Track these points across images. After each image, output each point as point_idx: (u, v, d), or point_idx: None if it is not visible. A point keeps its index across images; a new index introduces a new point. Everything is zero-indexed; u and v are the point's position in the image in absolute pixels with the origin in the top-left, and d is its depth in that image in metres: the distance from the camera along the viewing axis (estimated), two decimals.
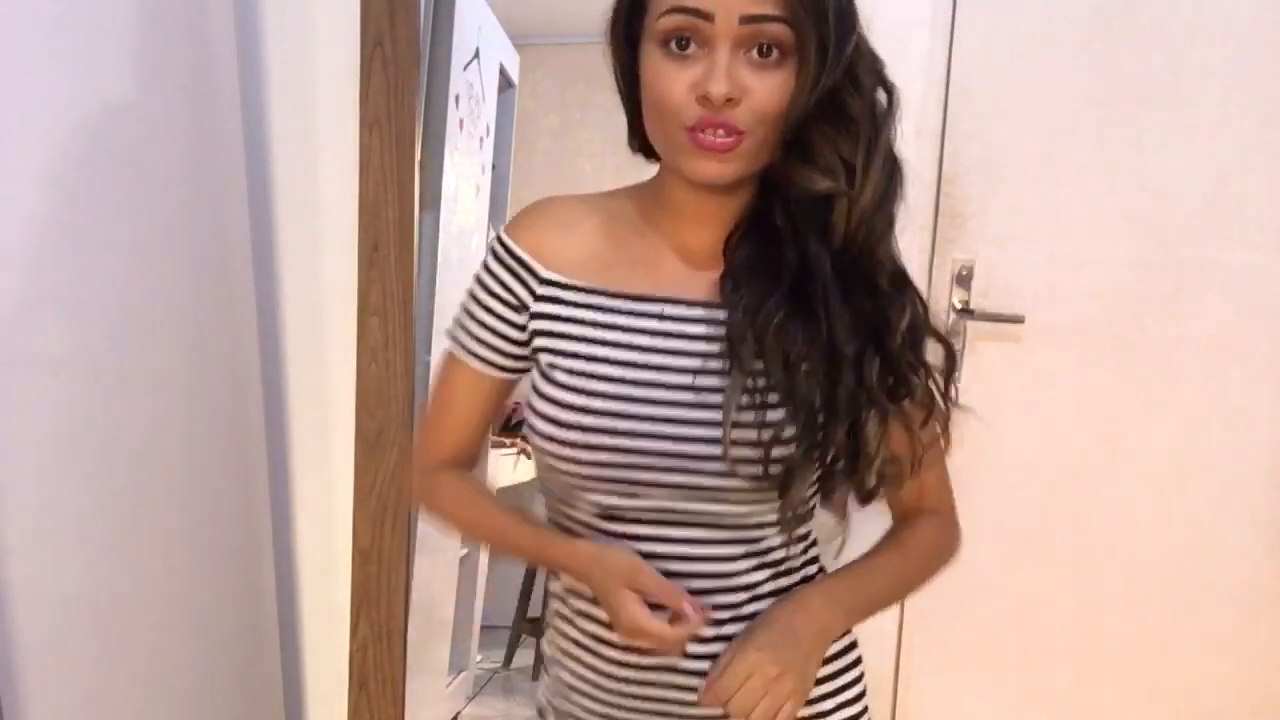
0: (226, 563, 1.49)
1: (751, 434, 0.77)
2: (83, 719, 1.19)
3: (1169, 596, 1.57)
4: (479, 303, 0.85)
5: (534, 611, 3.07)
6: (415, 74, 1.53)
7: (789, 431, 0.77)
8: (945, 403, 0.83)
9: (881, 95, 0.77)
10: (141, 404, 1.27)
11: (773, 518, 0.81)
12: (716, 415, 0.77)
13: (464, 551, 2.58)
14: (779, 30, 0.72)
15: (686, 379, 0.79)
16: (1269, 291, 1.49)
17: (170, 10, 1.30)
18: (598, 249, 0.84)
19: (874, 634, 1.63)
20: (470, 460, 0.92)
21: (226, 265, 1.48)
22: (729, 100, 0.72)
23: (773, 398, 0.77)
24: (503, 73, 2.65)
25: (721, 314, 0.80)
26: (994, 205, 1.54)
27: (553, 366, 0.81)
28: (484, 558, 2.78)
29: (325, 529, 1.65)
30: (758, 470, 0.77)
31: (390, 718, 1.58)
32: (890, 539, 0.89)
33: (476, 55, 2.31)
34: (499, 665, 3.01)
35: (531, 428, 0.81)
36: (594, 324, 0.81)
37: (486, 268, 0.86)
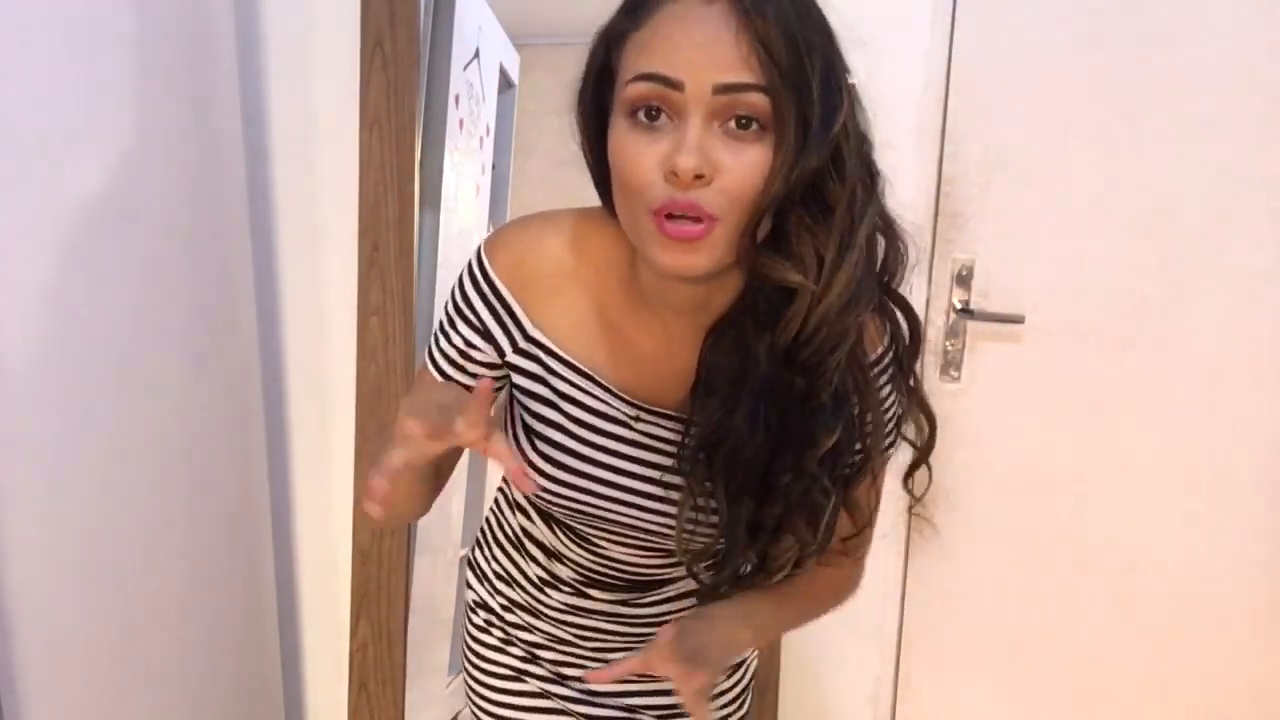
0: (226, 563, 1.49)
1: (705, 535, 0.77)
2: (83, 719, 1.19)
3: (1168, 596, 1.57)
4: (453, 326, 0.82)
5: None
6: (415, 74, 1.53)
7: (720, 545, 0.77)
8: (911, 482, 0.81)
9: (864, 182, 0.69)
10: (142, 404, 1.27)
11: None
12: (667, 518, 0.79)
13: (464, 552, 2.58)
14: (757, 100, 0.64)
15: (654, 474, 0.79)
16: (1269, 291, 1.49)
17: (170, 10, 1.30)
18: (583, 316, 0.79)
19: (874, 634, 1.63)
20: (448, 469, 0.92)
21: (226, 265, 1.48)
22: (698, 177, 0.64)
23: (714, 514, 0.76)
24: (503, 73, 2.64)
25: (683, 427, 0.77)
26: (994, 205, 1.54)
27: (530, 431, 0.81)
28: None
29: (325, 529, 1.65)
30: (707, 563, 0.79)
31: (390, 718, 1.58)
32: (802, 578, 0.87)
33: (476, 55, 2.31)
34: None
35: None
36: (574, 402, 0.79)
37: (465, 296, 0.81)
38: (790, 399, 0.71)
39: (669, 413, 0.79)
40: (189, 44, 1.36)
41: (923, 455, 0.80)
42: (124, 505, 1.24)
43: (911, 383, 0.78)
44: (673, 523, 0.77)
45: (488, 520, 1.03)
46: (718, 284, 0.73)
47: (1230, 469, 1.53)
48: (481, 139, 2.45)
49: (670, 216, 0.66)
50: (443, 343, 0.82)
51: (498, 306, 0.79)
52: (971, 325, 1.57)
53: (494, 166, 2.66)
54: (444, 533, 2.36)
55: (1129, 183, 1.51)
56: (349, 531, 1.56)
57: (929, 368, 1.59)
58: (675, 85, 0.65)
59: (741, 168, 0.65)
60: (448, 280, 2.21)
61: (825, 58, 0.66)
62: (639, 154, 0.67)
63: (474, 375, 0.81)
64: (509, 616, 0.97)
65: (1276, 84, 1.46)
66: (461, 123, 2.23)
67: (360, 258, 1.51)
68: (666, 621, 0.86)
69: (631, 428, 0.79)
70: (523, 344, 0.79)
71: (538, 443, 0.80)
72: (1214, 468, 1.54)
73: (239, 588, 1.53)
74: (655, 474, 0.79)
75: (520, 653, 0.97)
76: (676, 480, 0.77)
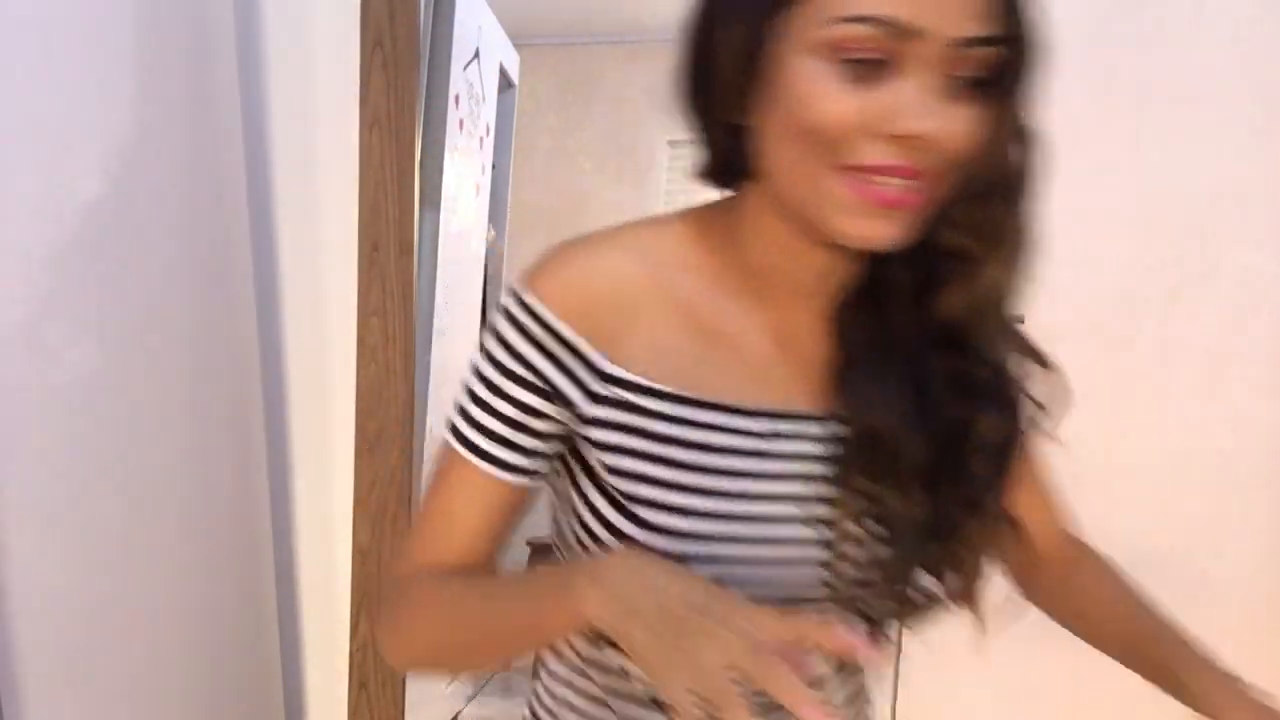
0: (226, 563, 1.49)
1: (860, 573, 0.64)
2: (82, 719, 1.19)
3: (1168, 596, 1.57)
4: (496, 393, 0.63)
5: None
6: (415, 74, 1.53)
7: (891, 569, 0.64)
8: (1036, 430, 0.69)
9: (1035, 150, 0.62)
10: (141, 404, 1.27)
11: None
12: (819, 548, 0.63)
13: None
14: (991, 56, 0.55)
15: (791, 506, 0.63)
16: (1269, 291, 1.49)
17: (170, 10, 1.30)
18: (669, 333, 0.63)
19: None
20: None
21: (226, 265, 1.47)
22: (919, 141, 0.54)
23: (878, 527, 0.64)
24: (503, 73, 2.65)
25: (834, 428, 0.64)
26: None
27: (625, 501, 0.62)
28: None
29: (325, 529, 1.65)
30: (867, 605, 0.65)
31: (390, 718, 1.58)
32: (1125, 596, 0.79)
33: (476, 55, 2.31)
34: (498, 665, 3.00)
35: (585, 539, 0.65)
36: (685, 444, 0.61)
37: (509, 349, 0.62)
38: (949, 381, 0.62)
39: (809, 413, 0.64)
40: (189, 44, 1.36)
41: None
42: (123, 505, 1.24)
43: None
44: (822, 556, 0.63)
45: (543, 667, 0.76)
46: (854, 257, 0.63)
47: (1230, 468, 1.53)
48: (481, 139, 2.46)
49: (873, 175, 0.55)
50: (483, 418, 0.63)
51: (558, 350, 0.62)
52: None
53: (494, 166, 2.67)
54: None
55: (1129, 183, 1.51)
56: (349, 531, 1.56)
57: None
58: (912, 33, 0.53)
59: (959, 127, 0.55)
60: (448, 280, 2.22)
61: (1039, 6, 0.58)
62: (843, 107, 0.54)
63: (530, 455, 0.63)
64: None
65: (1276, 84, 1.46)
66: (461, 123, 2.23)
67: (360, 258, 1.51)
68: None
69: (775, 438, 0.63)
70: (600, 389, 0.62)
71: (641, 511, 0.61)
72: (1214, 467, 1.54)
73: (239, 587, 1.53)
74: (796, 499, 0.63)
75: None
76: (822, 511, 0.63)
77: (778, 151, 0.58)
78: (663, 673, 0.49)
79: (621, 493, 0.62)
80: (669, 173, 3.60)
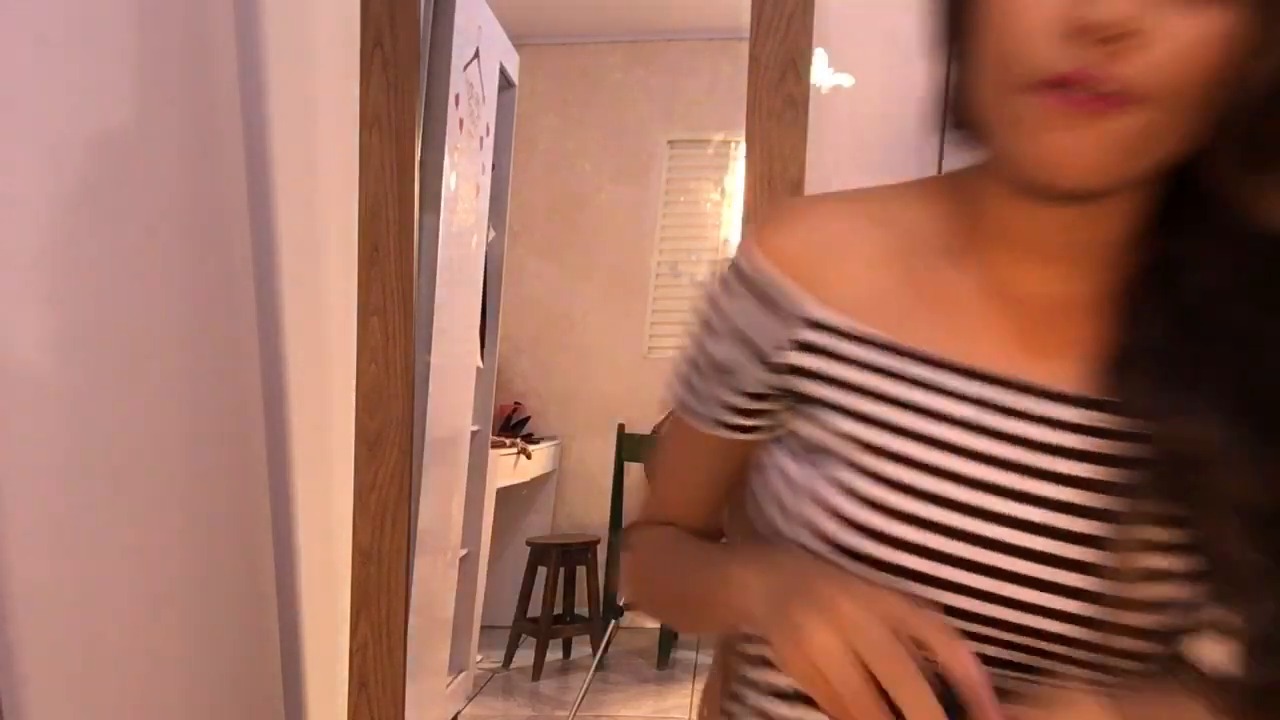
0: (226, 563, 1.49)
1: (1146, 618, 0.50)
2: (82, 719, 1.19)
3: None
4: (707, 345, 0.61)
5: (534, 612, 3.07)
6: (415, 74, 1.53)
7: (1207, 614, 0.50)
8: None
9: None
10: (141, 404, 1.27)
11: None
12: (1077, 578, 0.50)
13: (464, 552, 2.58)
14: None
15: (1037, 512, 0.51)
16: None
17: (170, 11, 1.30)
18: (886, 284, 0.57)
19: None
20: (713, 535, 0.69)
21: (227, 266, 1.47)
22: (1123, 36, 0.42)
23: (1174, 561, 0.50)
24: (503, 73, 2.65)
25: (1094, 416, 0.52)
26: None
27: (828, 452, 0.55)
28: (484, 558, 2.78)
29: (325, 529, 1.65)
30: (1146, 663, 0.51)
31: (390, 718, 1.58)
32: None
33: (476, 55, 2.31)
34: (499, 665, 3.01)
35: (775, 514, 0.58)
36: (889, 400, 0.54)
37: (719, 295, 0.60)
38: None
39: (1039, 386, 0.52)
40: (189, 44, 1.36)
41: None
42: (123, 505, 1.24)
43: None
44: (1083, 585, 0.49)
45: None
46: (1108, 214, 0.51)
47: None
48: (481, 139, 2.46)
49: (1065, 84, 0.44)
50: (691, 375, 0.62)
51: (772, 294, 0.57)
52: None
53: (494, 166, 2.66)
54: (444, 533, 2.36)
55: None
56: (349, 531, 1.56)
57: None
58: None
59: (1190, 34, 0.42)
60: (448, 280, 2.22)
61: None
62: (1029, 5, 0.45)
63: (740, 412, 0.60)
64: None
65: None
66: (461, 123, 2.23)
67: (360, 258, 1.51)
68: None
69: (982, 407, 0.52)
70: (803, 334, 0.57)
71: (851, 476, 0.54)
72: None
73: (239, 587, 1.53)
74: (1039, 512, 0.51)
75: None
76: (1077, 527, 0.50)
77: (981, 82, 0.50)
78: (778, 647, 0.46)
79: (819, 445, 0.55)
80: (669, 173, 3.60)
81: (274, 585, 1.63)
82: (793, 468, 0.58)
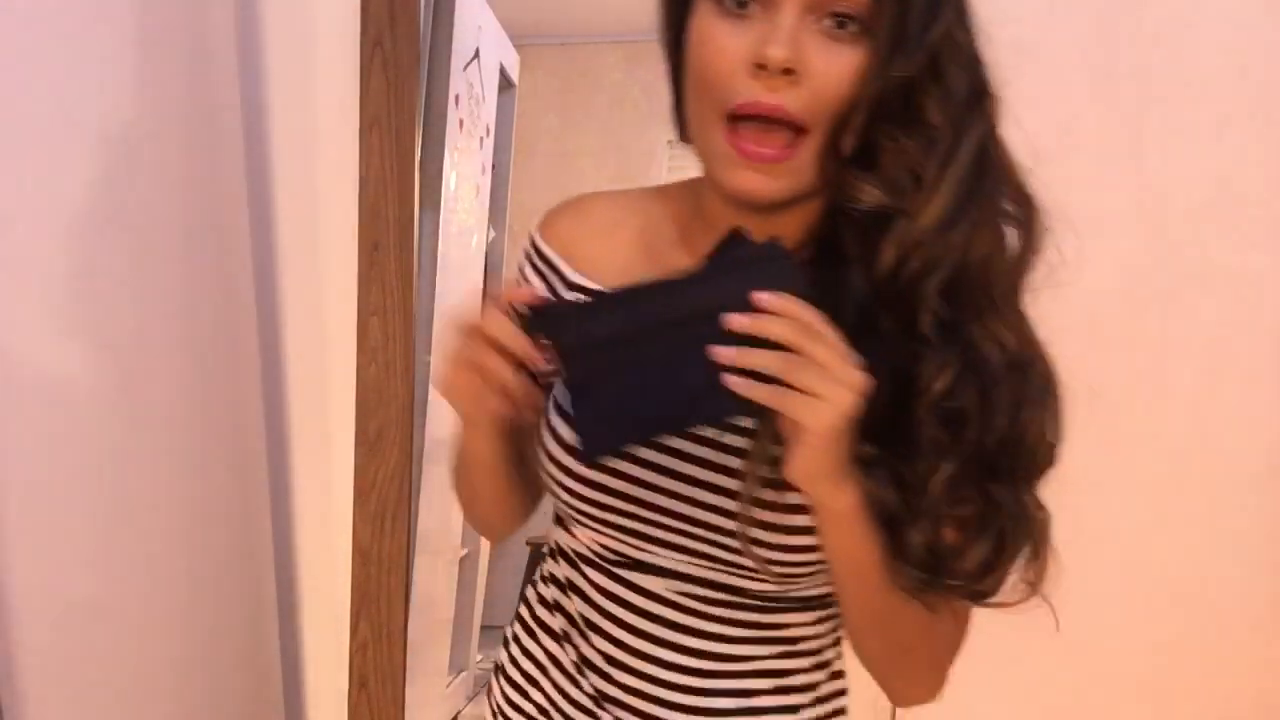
0: (226, 563, 1.49)
1: (770, 516, 0.64)
2: (83, 719, 1.19)
3: (1168, 596, 1.57)
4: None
5: None
6: (415, 74, 1.53)
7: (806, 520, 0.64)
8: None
9: (969, 98, 0.62)
10: (141, 404, 1.27)
11: (804, 594, 0.70)
12: (736, 483, 0.65)
13: (464, 552, 2.58)
14: None
15: (710, 431, 0.67)
16: (1269, 291, 1.49)
17: (170, 10, 1.30)
18: (630, 259, 0.73)
19: None
20: None
21: (226, 265, 1.48)
22: (787, 72, 0.58)
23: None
24: (503, 73, 2.65)
25: None
26: None
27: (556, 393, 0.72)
28: (484, 558, 2.78)
29: (325, 529, 1.65)
30: (776, 563, 0.66)
31: (390, 718, 1.58)
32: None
33: (476, 55, 2.31)
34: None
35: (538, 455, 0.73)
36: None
37: (523, 265, 0.78)
38: (894, 340, 0.61)
39: None
40: (189, 44, 1.36)
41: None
42: (123, 505, 1.24)
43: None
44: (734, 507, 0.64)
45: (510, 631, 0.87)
46: (793, 213, 0.65)
47: (1230, 469, 1.53)
48: (481, 139, 2.46)
49: (747, 121, 0.59)
50: None
51: (542, 266, 0.76)
52: None
53: (494, 166, 2.66)
54: (444, 533, 2.36)
55: (1129, 183, 1.51)
56: (349, 531, 1.56)
57: None
58: None
59: (835, 70, 0.58)
60: (448, 280, 2.22)
61: None
62: (723, 44, 0.60)
63: None
64: None
65: (1276, 84, 1.46)
66: (461, 123, 2.23)
67: (360, 258, 1.51)
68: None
69: None
70: (565, 293, 0.73)
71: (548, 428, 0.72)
72: (1214, 467, 1.54)
73: (239, 587, 1.53)
74: (710, 433, 0.67)
75: None
76: (739, 443, 0.66)
77: (689, 106, 0.64)
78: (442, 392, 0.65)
79: (555, 389, 0.71)
80: (669, 173, 3.60)
81: (274, 585, 1.63)
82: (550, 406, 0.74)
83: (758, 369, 0.53)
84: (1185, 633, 1.57)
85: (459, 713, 2.61)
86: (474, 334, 0.61)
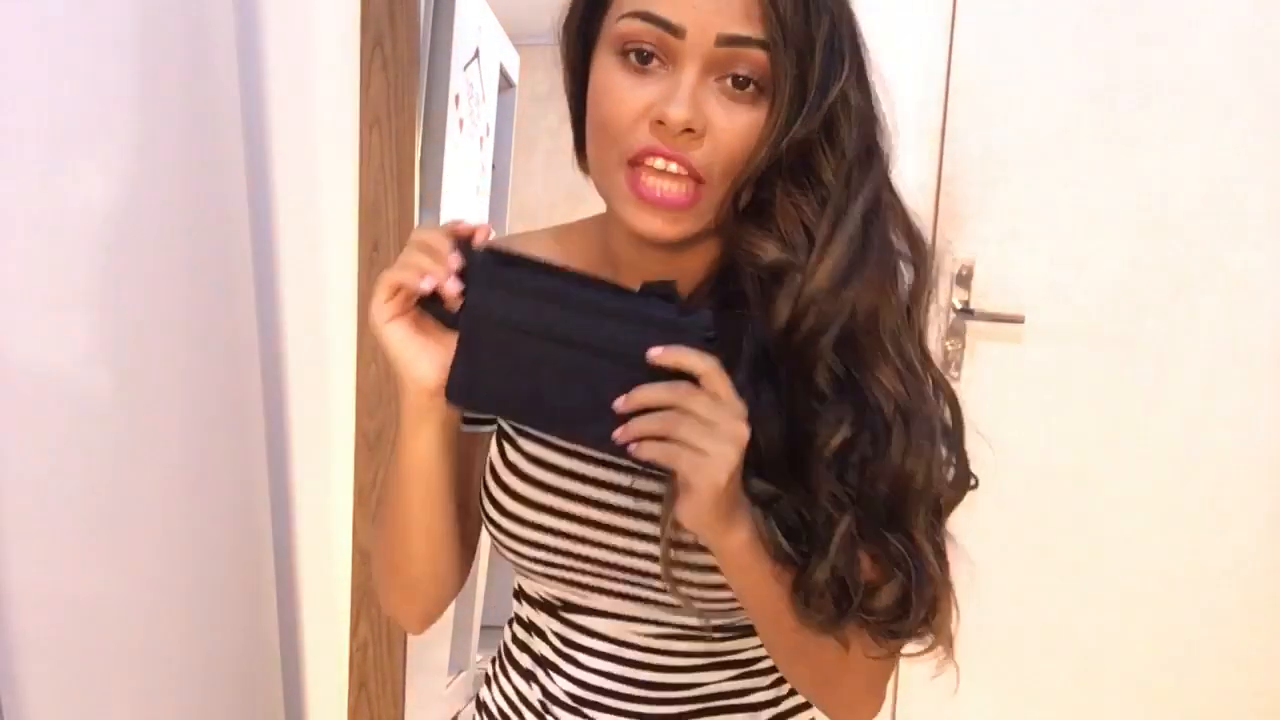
0: (226, 563, 1.49)
1: (693, 556, 0.65)
2: (83, 718, 1.19)
3: (1168, 596, 1.57)
4: None
5: None
6: (415, 74, 1.53)
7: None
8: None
9: (861, 157, 0.64)
10: (141, 404, 1.27)
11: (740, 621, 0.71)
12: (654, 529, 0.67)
13: None
14: (759, 57, 0.59)
15: (624, 480, 0.69)
16: (1269, 291, 1.49)
17: (170, 10, 1.30)
18: None
19: None
20: None
21: (226, 265, 1.47)
22: (688, 131, 0.59)
23: None
24: (503, 73, 2.64)
25: None
26: (994, 205, 1.54)
27: (504, 460, 0.74)
28: (484, 558, 2.78)
29: (325, 529, 1.65)
30: (705, 600, 0.67)
31: (390, 718, 1.58)
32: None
33: (476, 55, 2.31)
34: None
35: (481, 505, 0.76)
36: None
37: None
38: (791, 390, 0.63)
39: None
40: (189, 44, 1.36)
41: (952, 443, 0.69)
42: (123, 505, 1.24)
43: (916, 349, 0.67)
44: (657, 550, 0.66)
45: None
46: (694, 251, 0.67)
47: (1230, 469, 1.53)
48: (481, 139, 2.46)
49: (649, 164, 0.61)
50: None
51: None
52: (971, 325, 1.57)
53: (494, 166, 2.66)
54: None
55: (1129, 183, 1.51)
56: (349, 531, 1.56)
57: None
58: (676, 31, 0.59)
59: (734, 128, 0.61)
60: None
61: (833, 21, 0.62)
62: (623, 97, 0.61)
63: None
64: None
65: (1276, 84, 1.46)
66: (461, 123, 2.23)
67: (360, 258, 1.51)
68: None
69: None
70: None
71: (499, 458, 0.75)
72: (1214, 467, 1.54)
73: (239, 587, 1.53)
74: (626, 480, 0.69)
75: None
76: (654, 489, 0.68)
77: (591, 150, 0.66)
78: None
79: (505, 454, 0.74)
80: None
81: (274, 585, 1.63)
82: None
83: (643, 433, 0.56)
84: (1185, 633, 1.57)
85: (459, 713, 2.61)
86: (419, 243, 0.63)
